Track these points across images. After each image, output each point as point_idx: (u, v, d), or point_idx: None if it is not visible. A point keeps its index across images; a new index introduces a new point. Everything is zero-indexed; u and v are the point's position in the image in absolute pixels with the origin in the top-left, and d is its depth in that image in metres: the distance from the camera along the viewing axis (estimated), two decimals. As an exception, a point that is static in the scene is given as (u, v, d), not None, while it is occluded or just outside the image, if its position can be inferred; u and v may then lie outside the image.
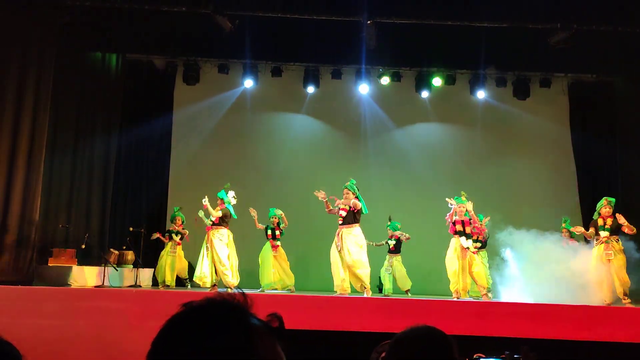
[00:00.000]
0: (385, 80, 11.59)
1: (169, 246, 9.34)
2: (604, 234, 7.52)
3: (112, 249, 9.48)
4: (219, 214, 8.49)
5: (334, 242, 7.99)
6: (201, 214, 8.78)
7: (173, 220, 9.55)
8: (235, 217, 8.82)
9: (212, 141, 11.92)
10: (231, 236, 8.71)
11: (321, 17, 9.40)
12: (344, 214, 7.90)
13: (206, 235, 8.62)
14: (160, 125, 11.70)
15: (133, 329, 4.21)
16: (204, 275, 8.24)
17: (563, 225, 9.21)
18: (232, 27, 9.36)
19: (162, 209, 11.52)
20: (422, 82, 11.64)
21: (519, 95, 11.62)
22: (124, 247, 9.51)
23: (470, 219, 8.00)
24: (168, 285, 9.06)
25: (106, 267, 8.50)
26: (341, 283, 7.24)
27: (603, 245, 7.45)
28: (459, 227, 7.95)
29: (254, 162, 11.88)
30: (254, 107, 12.01)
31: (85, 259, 9.78)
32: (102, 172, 10.50)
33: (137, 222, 10.33)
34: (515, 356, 2.14)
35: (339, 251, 7.65)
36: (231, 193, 8.88)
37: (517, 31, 9.87)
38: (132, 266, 9.31)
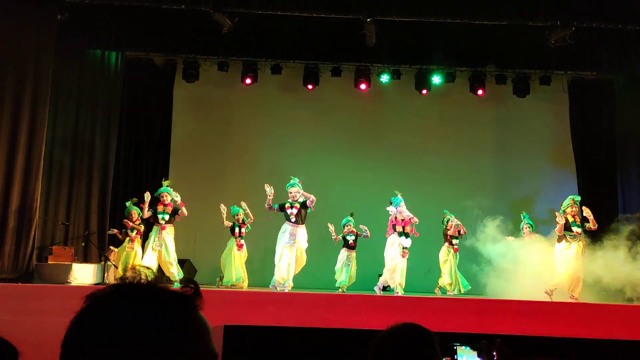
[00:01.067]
0: (385, 78, 11.58)
1: (125, 242, 8.89)
2: (577, 229, 7.87)
3: (111, 247, 9.48)
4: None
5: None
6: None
7: (128, 215, 8.99)
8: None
9: (212, 139, 11.93)
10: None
11: (321, 14, 9.38)
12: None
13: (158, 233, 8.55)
14: (160, 123, 11.72)
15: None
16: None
17: (524, 221, 9.32)
18: (232, 25, 9.36)
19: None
20: (422, 79, 11.63)
21: (519, 93, 11.61)
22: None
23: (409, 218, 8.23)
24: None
25: (106, 265, 8.51)
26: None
27: (579, 242, 7.88)
28: (398, 228, 8.32)
29: (253, 159, 11.89)
30: (253, 105, 12.01)
31: (85, 257, 9.81)
32: (102, 169, 10.49)
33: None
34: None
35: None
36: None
37: (517, 29, 9.87)
38: (131, 264, 9.30)
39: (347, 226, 9.37)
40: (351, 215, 9.53)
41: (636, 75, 10.72)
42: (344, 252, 9.36)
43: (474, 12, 9.24)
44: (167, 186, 8.86)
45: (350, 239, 9.31)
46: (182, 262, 10.71)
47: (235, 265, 9.22)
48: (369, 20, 9.15)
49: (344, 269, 9.20)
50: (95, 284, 8.19)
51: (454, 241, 9.41)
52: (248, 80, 11.64)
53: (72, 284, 8.08)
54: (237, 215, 9.56)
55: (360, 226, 9.33)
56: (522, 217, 9.49)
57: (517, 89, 11.61)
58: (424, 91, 11.70)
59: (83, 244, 9.42)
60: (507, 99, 11.78)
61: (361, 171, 11.82)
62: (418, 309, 4.72)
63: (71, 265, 8.42)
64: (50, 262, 8.76)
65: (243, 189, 11.66)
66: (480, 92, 11.61)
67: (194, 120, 11.94)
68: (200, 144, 11.88)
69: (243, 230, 9.47)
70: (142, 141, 11.64)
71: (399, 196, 8.64)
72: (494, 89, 11.74)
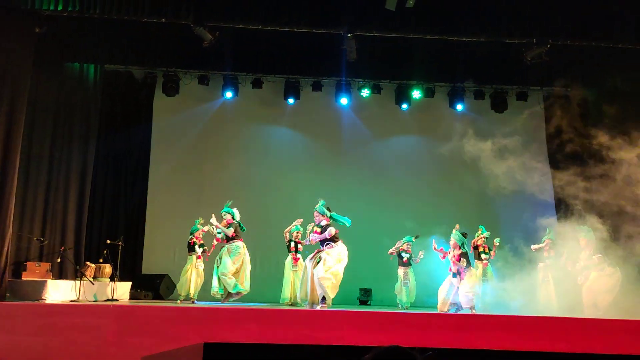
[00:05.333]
0: (366, 92, 11.67)
1: (194, 260, 9.15)
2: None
3: (88, 262, 9.31)
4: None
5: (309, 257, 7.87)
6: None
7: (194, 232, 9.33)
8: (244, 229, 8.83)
9: (192, 153, 11.84)
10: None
11: (302, 29, 9.44)
12: (316, 237, 7.74)
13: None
14: (139, 137, 11.60)
15: (111, 346, 4.13)
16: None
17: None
18: (213, 39, 9.34)
19: (140, 221, 11.38)
20: (402, 94, 11.76)
21: (496, 108, 11.81)
22: (101, 260, 9.34)
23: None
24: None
25: (82, 281, 8.34)
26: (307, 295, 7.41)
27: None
28: None
29: (233, 173, 11.83)
30: (234, 119, 11.98)
31: (60, 273, 9.61)
32: (79, 184, 10.32)
33: (115, 235, 10.19)
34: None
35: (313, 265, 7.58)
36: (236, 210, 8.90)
37: (495, 46, 10.06)
38: (109, 280, 9.14)
39: (407, 244, 9.67)
40: (416, 237, 9.76)
41: (609, 90, 10.96)
42: (400, 270, 9.68)
43: (452, 29, 9.39)
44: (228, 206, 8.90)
45: (405, 256, 9.66)
46: (160, 277, 10.60)
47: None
48: (349, 35, 9.23)
49: (404, 288, 9.55)
50: (71, 301, 8.01)
51: (483, 256, 9.41)
52: (229, 94, 11.63)
53: (46, 301, 7.89)
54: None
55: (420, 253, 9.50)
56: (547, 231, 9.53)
57: (495, 104, 11.80)
58: (404, 106, 11.81)
59: (59, 260, 9.23)
60: (486, 113, 11.95)
61: (343, 185, 11.84)
62: (399, 325, 4.71)
63: (46, 281, 8.23)
64: (25, 279, 8.56)
65: (223, 203, 11.57)
66: (459, 107, 11.77)
67: (174, 134, 11.84)
68: (180, 158, 11.78)
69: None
70: (121, 156, 11.50)
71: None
72: (472, 104, 11.91)
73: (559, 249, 9.04)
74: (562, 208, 11.14)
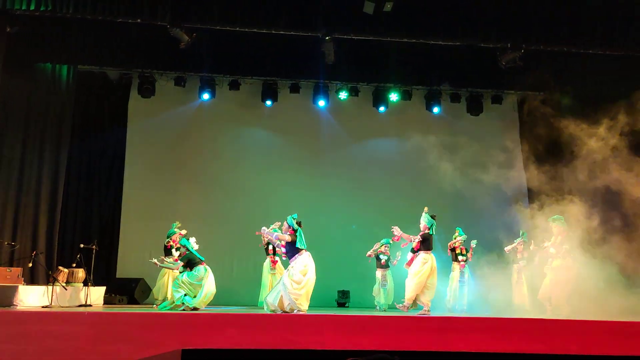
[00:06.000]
0: (343, 95, 11.68)
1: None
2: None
3: (61, 267, 9.10)
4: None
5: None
6: None
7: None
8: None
9: (168, 155, 11.68)
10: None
11: (280, 31, 9.41)
12: (283, 250, 7.76)
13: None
14: (114, 139, 11.40)
15: (87, 354, 4.04)
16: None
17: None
18: (190, 40, 9.25)
19: (115, 224, 11.19)
20: (380, 97, 11.82)
21: (472, 111, 11.96)
22: (74, 265, 9.14)
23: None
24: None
25: (55, 286, 8.15)
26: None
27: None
28: None
29: (210, 176, 11.72)
30: (211, 121, 11.87)
31: (32, 278, 9.39)
32: (51, 187, 10.10)
33: (89, 239, 10.00)
34: None
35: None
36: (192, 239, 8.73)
37: (470, 50, 10.20)
38: (82, 285, 8.96)
39: (385, 246, 9.64)
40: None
41: (581, 95, 11.21)
42: (378, 272, 9.64)
43: (429, 33, 9.49)
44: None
45: (383, 258, 9.66)
46: (136, 282, 10.42)
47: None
48: (327, 38, 9.24)
49: (382, 290, 9.52)
50: (43, 307, 7.83)
51: (460, 258, 9.48)
52: (205, 96, 11.52)
53: (17, 308, 7.69)
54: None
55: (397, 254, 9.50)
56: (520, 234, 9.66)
57: (471, 107, 11.95)
58: (382, 108, 11.87)
59: (30, 265, 9.01)
60: (461, 116, 12.09)
61: (320, 187, 11.84)
62: (379, 328, 4.72)
63: (17, 287, 8.01)
64: (-5, 285, 8.32)
65: (198, 206, 11.47)
66: (435, 109, 11.88)
67: (150, 136, 11.67)
68: (156, 160, 11.61)
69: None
70: (95, 158, 11.26)
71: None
72: (448, 106, 12.03)
73: (532, 251, 9.21)
74: (536, 206, 11.30)
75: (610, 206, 9.71)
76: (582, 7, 9.52)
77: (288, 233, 7.64)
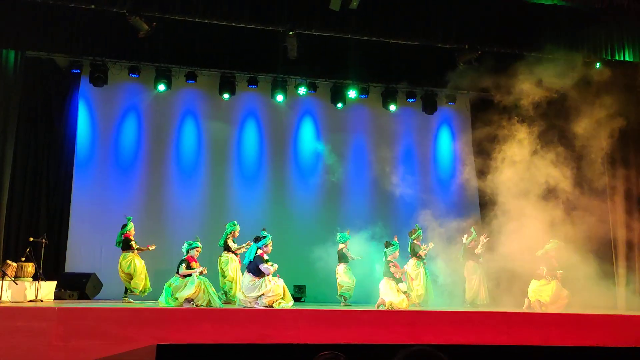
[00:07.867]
0: (302, 90, 11.69)
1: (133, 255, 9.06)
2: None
3: (9, 261, 8.68)
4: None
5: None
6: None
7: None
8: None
9: (121, 146, 11.34)
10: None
11: (241, 24, 9.31)
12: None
13: None
14: (64, 129, 10.91)
15: (57, 350, 3.90)
16: None
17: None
18: (150, 30, 8.99)
19: (64, 217, 10.75)
20: (338, 93, 11.91)
21: (427, 109, 12.25)
22: (23, 259, 8.74)
23: None
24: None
25: (4, 281, 7.78)
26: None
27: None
28: None
29: (165, 168, 11.47)
30: (167, 113, 11.60)
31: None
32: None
33: (37, 232, 9.58)
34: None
35: None
36: None
37: (428, 49, 10.44)
38: (32, 279, 8.59)
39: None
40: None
41: (528, 94, 11.70)
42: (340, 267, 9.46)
43: (391, 31, 9.65)
44: None
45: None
46: (87, 276, 10.09)
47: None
48: (291, 33, 9.22)
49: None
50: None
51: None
52: (161, 87, 11.24)
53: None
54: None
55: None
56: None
57: (426, 106, 12.24)
58: (339, 104, 11.98)
59: (-25, 260, 8.56)
60: (417, 114, 12.38)
61: (276, 182, 11.83)
62: (353, 322, 4.80)
63: (-39, 283, 7.59)
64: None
65: (151, 200, 11.20)
66: (392, 107, 12.10)
67: (102, 127, 11.28)
68: (108, 152, 11.23)
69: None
70: (43, 149, 10.74)
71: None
72: (404, 104, 12.27)
73: (483, 246, 9.62)
74: (487, 204, 11.72)
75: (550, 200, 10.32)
76: (534, 13, 9.96)
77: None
